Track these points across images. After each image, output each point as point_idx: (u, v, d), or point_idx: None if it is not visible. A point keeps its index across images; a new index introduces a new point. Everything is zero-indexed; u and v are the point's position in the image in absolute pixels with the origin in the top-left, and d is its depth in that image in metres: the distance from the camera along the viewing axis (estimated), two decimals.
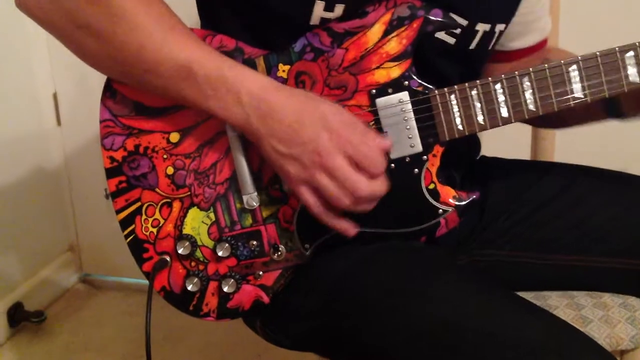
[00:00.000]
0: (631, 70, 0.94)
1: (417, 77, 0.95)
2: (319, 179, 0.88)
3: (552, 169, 1.21)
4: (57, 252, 2.28)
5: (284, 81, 0.95)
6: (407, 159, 0.96)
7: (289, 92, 0.90)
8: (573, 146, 1.46)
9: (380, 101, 0.95)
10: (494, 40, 1.06)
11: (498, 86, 0.95)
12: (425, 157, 0.96)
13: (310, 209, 0.91)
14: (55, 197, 2.25)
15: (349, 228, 0.93)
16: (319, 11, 0.94)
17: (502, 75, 0.95)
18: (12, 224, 2.07)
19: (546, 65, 0.95)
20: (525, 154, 1.48)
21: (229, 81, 0.88)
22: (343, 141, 0.87)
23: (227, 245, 0.96)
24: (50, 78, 2.14)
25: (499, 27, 1.05)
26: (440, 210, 0.97)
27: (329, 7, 0.94)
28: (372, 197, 0.90)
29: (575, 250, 1.10)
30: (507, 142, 1.28)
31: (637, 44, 0.94)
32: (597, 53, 0.94)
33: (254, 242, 0.97)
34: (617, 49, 0.94)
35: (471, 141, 1.01)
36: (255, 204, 0.95)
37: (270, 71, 0.96)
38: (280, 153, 0.88)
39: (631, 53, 0.94)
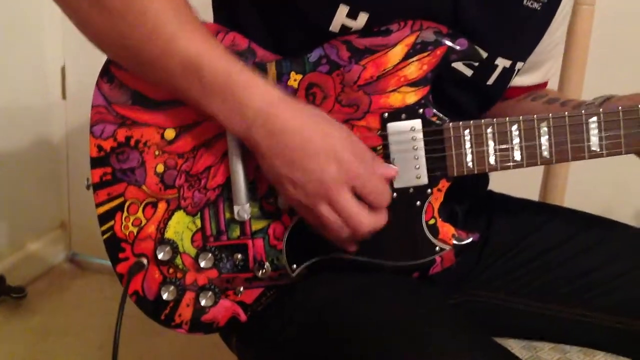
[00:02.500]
0: None
1: (432, 107, 0.90)
2: (321, 209, 0.84)
3: (561, 214, 1.16)
4: (47, 227, 2.24)
5: (294, 91, 0.91)
6: (411, 190, 0.91)
7: (300, 111, 0.85)
8: (585, 186, 1.42)
9: (392, 126, 0.90)
10: (512, 78, 1.03)
11: (515, 127, 0.91)
12: (429, 190, 0.92)
13: (314, 227, 0.89)
14: (52, 171, 2.21)
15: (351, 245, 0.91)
16: (341, 16, 0.90)
17: (520, 117, 0.91)
18: (4, 194, 2.03)
19: (566, 113, 0.91)
20: (535, 189, 1.43)
21: (236, 88, 0.83)
22: (351, 175, 0.84)
23: (210, 255, 0.91)
24: (61, 51, 2.11)
25: (519, 64, 1.01)
26: (438, 248, 0.93)
27: (352, 14, 0.89)
28: (371, 232, 0.87)
29: (574, 303, 1.05)
30: (518, 176, 1.24)
31: None
32: (620, 107, 0.91)
33: (239, 256, 0.92)
34: None
35: (480, 177, 0.97)
36: (246, 216, 0.90)
37: (281, 79, 0.91)
38: (282, 174, 0.84)
39: None
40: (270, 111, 0.83)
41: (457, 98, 0.99)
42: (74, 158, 2.21)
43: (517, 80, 1.12)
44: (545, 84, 1.18)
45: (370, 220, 0.85)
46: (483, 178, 1.15)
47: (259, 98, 0.83)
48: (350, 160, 0.84)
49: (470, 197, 1.10)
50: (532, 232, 1.10)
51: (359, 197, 0.85)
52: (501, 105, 1.13)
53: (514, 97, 1.14)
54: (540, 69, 1.14)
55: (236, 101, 0.83)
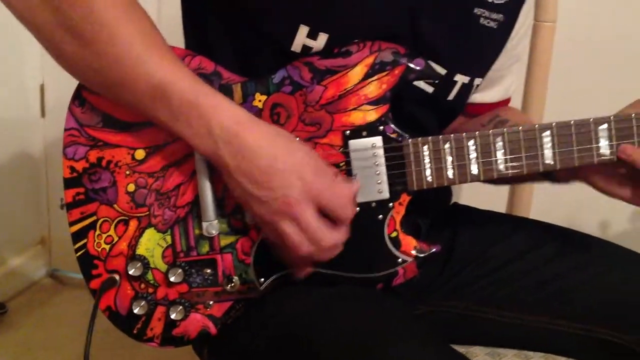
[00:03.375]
0: (603, 143, 0.94)
1: (392, 124, 0.94)
2: (284, 226, 0.87)
3: (523, 226, 1.20)
4: (27, 243, 2.26)
5: (259, 111, 0.94)
6: (373, 204, 0.95)
7: (265, 130, 0.88)
8: (551, 198, 1.46)
9: (353, 143, 0.94)
10: (471, 93, 1.07)
11: (471, 142, 0.95)
12: (391, 204, 0.95)
13: (272, 246, 0.91)
14: (32, 189, 2.23)
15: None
16: (302, 36, 0.93)
17: (477, 133, 0.94)
18: None
19: (520, 127, 0.94)
20: (502, 202, 1.47)
21: (203, 108, 0.86)
22: (315, 191, 0.86)
23: (180, 270, 0.94)
24: (40, 69, 2.13)
25: (477, 80, 1.06)
26: (400, 260, 0.96)
27: (312, 34, 0.93)
28: (333, 248, 0.89)
29: (537, 311, 1.09)
30: (486, 189, 1.27)
31: (611, 117, 0.94)
32: (572, 122, 0.94)
33: (208, 271, 0.95)
34: (592, 120, 0.94)
35: (441, 190, 1.00)
36: (214, 231, 0.94)
37: (246, 99, 0.94)
38: (248, 192, 0.87)
39: (605, 126, 0.94)
40: (238, 130, 0.86)
41: (419, 115, 1.03)
42: (53, 175, 2.23)
43: (480, 97, 1.16)
44: (508, 101, 1.22)
45: (332, 236, 0.88)
46: (445, 191, 1.18)
47: (227, 117, 0.86)
48: (313, 177, 0.87)
49: (433, 210, 1.14)
50: (496, 243, 1.14)
51: (323, 213, 0.88)
52: (468, 124, 1.17)
53: (479, 114, 1.18)
54: (500, 84, 1.18)
55: (204, 122, 0.86)
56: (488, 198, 1.29)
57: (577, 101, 1.20)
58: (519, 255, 1.12)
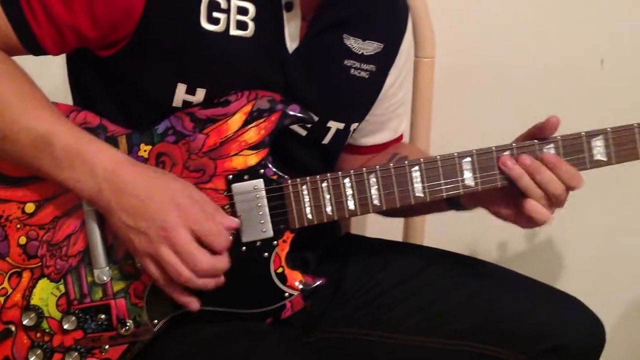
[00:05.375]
0: (467, 175, 1.01)
1: (272, 166, 1.00)
2: (162, 252, 0.91)
3: (409, 251, 1.27)
4: None
5: (145, 161, 0.99)
6: (258, 243, 1.01)
7: (143, 168, 0.94)
8: (443, 226, 1.52)
9: (236, 187, 1.00)
10: (349, 136, 1.14)
11: (347, 180, 1.01)
12: (275, 242, 1.01)
13: (156, 281, 0.94)
14: None
15: (191, 302, 0.96)
16: (181, 93, 0.99)
17: (352, 171, 1.01)
18: None
19: (391, 164, 1.01)
20: (398, 232, 1.53)
21: (86, 154, 0.91)
22: (190, 218, 0.92)
23: (74, 318, 0.98)
24: None
25: (354, 125, 1.12)
26: (287, 294, 1.02)
27: (190, 91, 0.99)
28: (212, 273, 0.93)
29: (422, 331, 1.15)
30: (382, 219, 1.33)
31: (473, 151, 1.01)
32: (438, 157, 1.01)
33: (102, 316, 0.99)
34: (456, 154, 1.01)
35: (326, 225, 1.06)
36: (106, 278, 0.98)
37: (132, 150, 0.99)
38: (128, 226, 0.91)
39: (468, 159, 1.01)
40: (117, 169, 0.91)
41: (300, 156, 1.10)
42: None
43: (371, 140, 1.24)
44: (399, 138, 1.29)
45: (208, 260, 0.92)
46: (331, 226, 1.24)
47: (107, 159, 0.91)
48: (189, 205, 0.92)
49: (320, 243, 1.19)
50: (383, 270, 1.20)
51: (200, 240, 0.92)
52: (371, 162, 1.23)
53: (373, 154, 1.24)
54: (387, 128, 1.25)
55: (87, 166, 0.90)
56: (385, 227, 1.35)
57: (461, 131, 1.25)
58: (402, 280, 1.18)
